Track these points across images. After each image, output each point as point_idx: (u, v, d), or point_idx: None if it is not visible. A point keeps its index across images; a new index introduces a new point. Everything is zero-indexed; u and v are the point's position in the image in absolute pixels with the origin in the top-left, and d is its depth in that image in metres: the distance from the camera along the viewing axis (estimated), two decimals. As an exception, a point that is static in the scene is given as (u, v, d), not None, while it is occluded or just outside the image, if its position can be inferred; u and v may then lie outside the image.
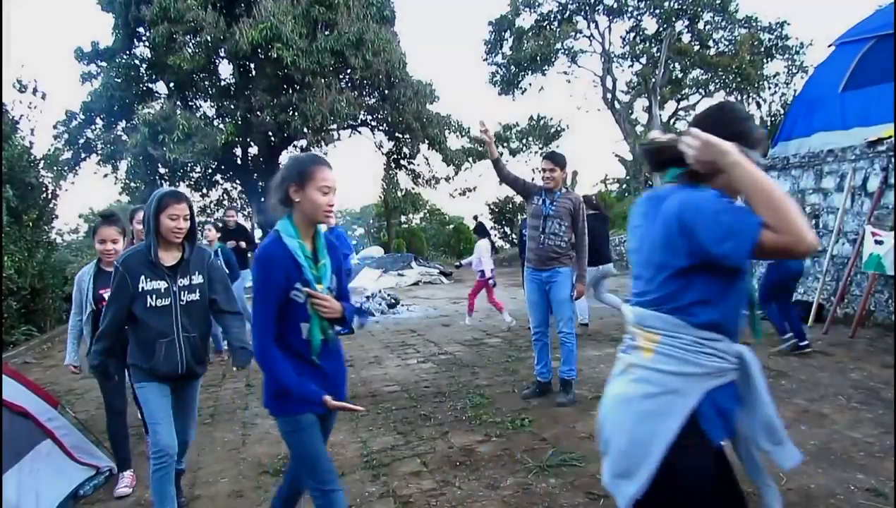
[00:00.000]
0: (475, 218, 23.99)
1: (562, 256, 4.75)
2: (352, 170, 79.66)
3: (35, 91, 10.81)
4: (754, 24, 25.03)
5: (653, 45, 25.65)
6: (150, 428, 2.80)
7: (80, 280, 3.60)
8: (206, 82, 20.63)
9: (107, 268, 3.55)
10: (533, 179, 5.04)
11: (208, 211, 23.57)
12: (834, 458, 3.42)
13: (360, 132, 23.46)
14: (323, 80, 18.22)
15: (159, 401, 2.82)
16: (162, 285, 2.76)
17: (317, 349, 2.17)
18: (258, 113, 18.52)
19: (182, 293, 2.82)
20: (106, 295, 3.41)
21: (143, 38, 19.99)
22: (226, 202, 24.25)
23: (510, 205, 29.11)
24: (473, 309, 9.09)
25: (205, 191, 23.13)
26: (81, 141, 20.52)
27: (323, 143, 22.52)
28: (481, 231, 9.37)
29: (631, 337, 1.65)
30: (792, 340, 5.98)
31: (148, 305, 2.73)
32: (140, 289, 2.72)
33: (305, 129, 18.71)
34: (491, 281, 8.88)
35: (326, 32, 18.16)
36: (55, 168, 12.63)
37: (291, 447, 2.24)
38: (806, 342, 5.99)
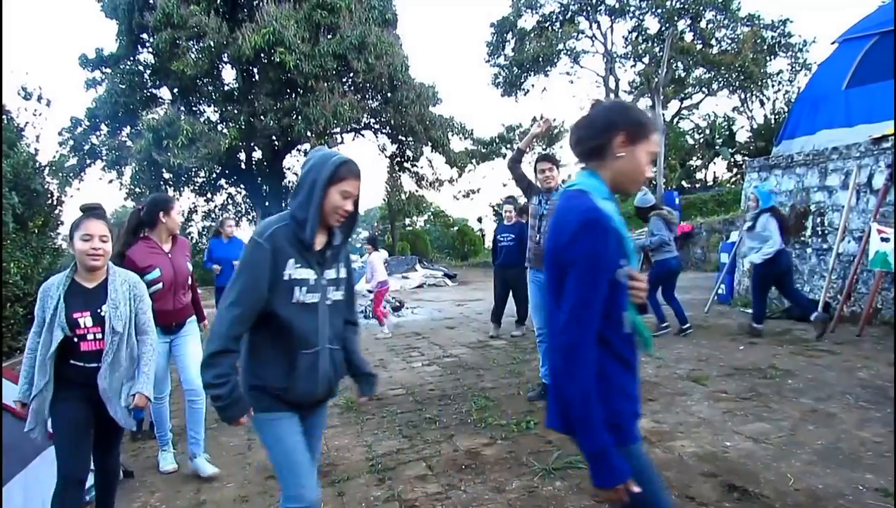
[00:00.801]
0: (479, 220, 24.00)
1: None
2: (355, 173, 79.67)
3: (40, 98, 10.86)
4: (757, 21, 24.99)
5: (655, 44, 25.64)
6: (286, 478, 2.08)
7: (46, 295, 2.73)
8: (210, 87, 20.73)
9: (84, 283, 2.77)
10: (537, 180, 5.04)
11: (213, 215, 23.65)
12: (842, 458, 3.40)
13: (363, 135, 23.51)
14: (326, 84, 18.27)
15: (298, 440, 2.11)
16: (311, 275, 2.07)
17: (641, 344, 1.70)
18: (261, 117, 18.57)
19: (329, 289, 2.15)
20: (82, 321, 2.68)
21: (147, 44, 20.10)
22: (230, 207, 24.32)
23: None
24: (384, 317, 9.06)
25: (209, 195, 23.23)
26: (86, 147, 20.65)
27: (327, 147, 22.56)
28: (373, 242, 9.44)
29: None
30: (664, 327, 7.15)
31: (294, 299, 2.04)
32: (287, 277, 2.02)
33: (309, 133, 18.76)
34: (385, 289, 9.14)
35: (329, 36, 18.22)
36: (60, 174, 12.70)
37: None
38: (688, 324, 7.19)
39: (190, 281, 3.95)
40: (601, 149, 1.67)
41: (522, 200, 7.54)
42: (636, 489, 1.53)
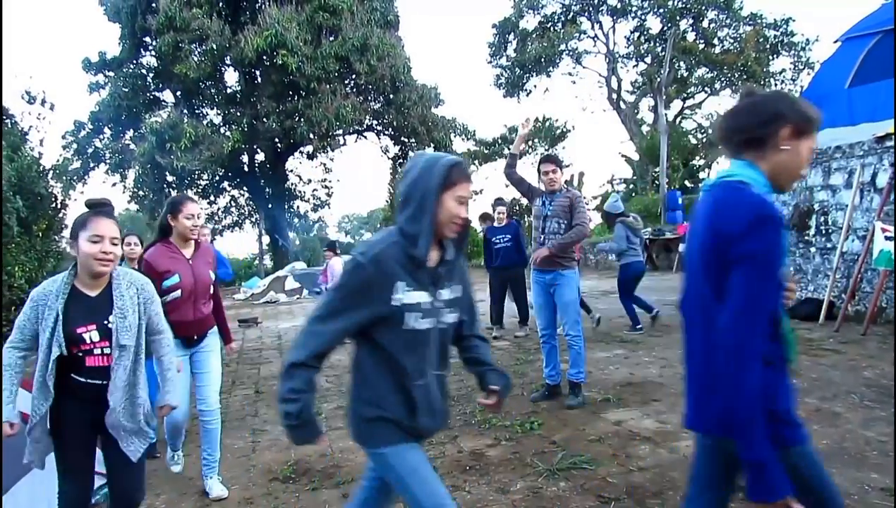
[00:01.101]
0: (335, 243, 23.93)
1: (564, 258, 4.74)
2: (358, 174, 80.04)
3: (44, 102, 10.92)
4: (759, 21, 24.96)
5: (657, 44, 25.62)
6: None
7: (42, 305, 2.34)
8: (213, 90, 20.80)
9: (87, 291, 2.40)
10: (540, 182, 5.04)
11: (216, 218, 23.69)
12: (847, 458, 3.39)
13: (365, 137, 23.55)
14: (328, 86, 18.31)
15: (431, 469, 1.91)
16: (425, 298, 1.83)
17: (794, 349, 1.62)
18: (264, 119, 18.63)
19: (443, 311, 1.90)
20: (87, 336, 2.34)
21: (150, 48, 20.20)
22: (233, 209, 24.36)
23: (516, 208, 29.09)
24: None
25: (212, 198, 23.28)
26: (90, 150, 20.73)
27: (329, 149, 22.64)
28: (332, 247, 9.13)
29: None
30: (637, 327, 7.56)
31: (406, 327, 1.80)
32: (397, 303, 1.77)
33: (311, 135, 18.81)
34: None
35: (331, 38, 18.27)
36: (64, 178, 12.73)
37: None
38: (640, 325, 7.60)
39: (213, 291, 3.68)
40: (763, 141, 1.58)
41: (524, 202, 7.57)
42: (797, 506, 1.44)
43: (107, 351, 2.37)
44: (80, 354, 2.35)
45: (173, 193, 20.75)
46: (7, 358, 2.37)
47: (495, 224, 8.11)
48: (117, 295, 2.42)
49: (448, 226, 1.85)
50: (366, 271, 1.75)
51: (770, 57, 25.42)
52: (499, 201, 8.41)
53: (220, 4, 18.68)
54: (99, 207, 2.47)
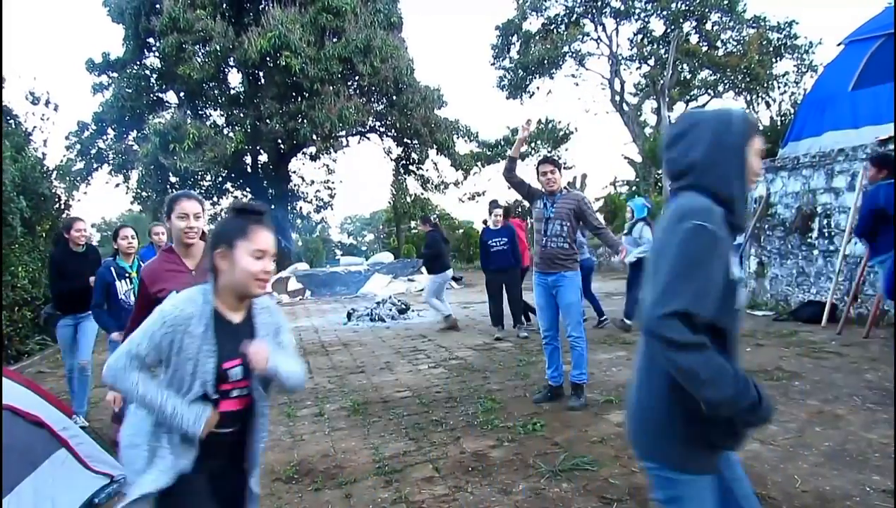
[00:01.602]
0: (484, 222, 24.01)
1: (566, 259, 4.75)
2: (361, 176, 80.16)
3: (48, 103, 10.97)
4: (762, 23, 24.94)
5: (660, 46, 25.61)
6: None
7: (181, 330, 1.75)
8: (216, 91, 20.85)
9: (231, 316, 1.85)
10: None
11: (219, 219, 23.74)
12: (849, 459, 3.39)
13: (368, 138, 23.59)
14: (331, 87, 18.35)
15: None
16: (739, 271, 1.55)
17: None
18: (267, 121, 18.67)
19: None
20: (232, 373, 1.81)
21: (154, 49, 20.27)
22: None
23: (519, 209, 29.10)
24: None
25: (215, 199, 23.33)
26: (93, 151, 20.80)
27: (332, 150, 22.67)
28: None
29: None
30: (603, 318, 8.25)
31: (737, 306, 1.52)
32: (733, 277, 1.47)
33: (314, 136, 18.85)
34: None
35: (334, 40, 18.31)
36: (68, 178, 12.79)
37: None
38: (605, 317, 8.28)
39: None
40: None
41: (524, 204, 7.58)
42: None
43: (245, 392, 1.87)
44: (217, 397, 1.81)
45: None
46: (129, 379, 1.74)
47: (490, 226, 8.25)
48: (259, 323, 1.92)
49: (749, 187, 1.59)
50: (715, 238, 1.40)
51: (773, 59, 25.40)
52: (495, 205, 8.45)
53: (224, 6, 18.74)
54: (258, 215, 1.88)
